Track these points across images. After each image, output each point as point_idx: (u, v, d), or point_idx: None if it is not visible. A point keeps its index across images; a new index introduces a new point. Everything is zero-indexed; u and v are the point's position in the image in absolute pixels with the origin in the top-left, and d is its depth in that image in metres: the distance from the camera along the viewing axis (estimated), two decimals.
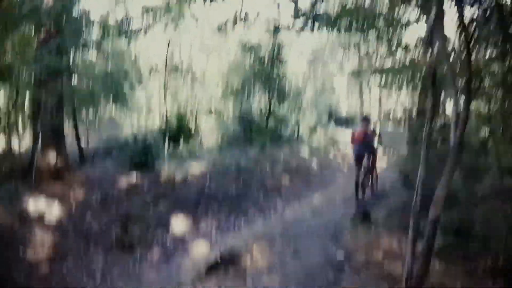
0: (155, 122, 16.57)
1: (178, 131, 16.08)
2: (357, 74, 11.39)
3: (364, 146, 9.42)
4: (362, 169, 9.53)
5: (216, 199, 10.73)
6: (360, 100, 25.81)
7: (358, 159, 9.52)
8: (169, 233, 8.97)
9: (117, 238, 8.46)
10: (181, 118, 16.75)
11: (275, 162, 13.96)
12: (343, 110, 27.06)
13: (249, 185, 11.97)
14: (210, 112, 20.01)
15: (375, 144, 10.09)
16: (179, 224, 9.32)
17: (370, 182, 10.29)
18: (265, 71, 16.07)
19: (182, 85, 18.43)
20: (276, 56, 16.09)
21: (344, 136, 21.24)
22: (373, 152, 9.87)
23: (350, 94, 36.29)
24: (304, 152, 16.10)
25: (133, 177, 10.88)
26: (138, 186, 10.45)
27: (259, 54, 16.25)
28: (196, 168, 12.20)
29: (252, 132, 16.25)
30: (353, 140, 9.69)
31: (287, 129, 18.12)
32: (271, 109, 16.35)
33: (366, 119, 9.89)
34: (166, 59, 13.55)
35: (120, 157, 12.26)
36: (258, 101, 17.20)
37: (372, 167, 10.01)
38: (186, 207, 9.96)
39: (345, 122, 24.92)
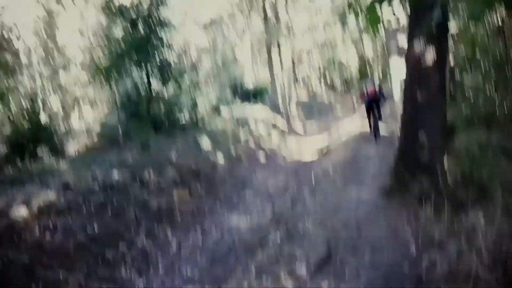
0: None
1: (28, 137, 11.39)
2: None
3: (374, 101, 11.20)
4: (373, 118, 11.29)
5: (58, 264, 6.41)
6: (270, 68, 22.01)
7: (370, 110, 11.26)
8: None
9: None
10: (32, 117, 12.03)
11: (163, 166, 9.82)
12: (250, 83, 23.22)
13: (121, 216, 7.77)
14: (76, 102, 15.36)
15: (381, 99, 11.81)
16: None
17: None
18: (141, 38, 11.66)
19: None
20: (154, 16, 11.75)
21: (255, 113, 17.55)
22: (379, 105, 11.51)
23: (255, 64, 32.75)
24: (206, 143, 12.05)
25: None
26: None
27: (130, 16, 11.80)
28: (39, 198, 7.68)
29: (133, 124, 11.98)
30: (362, 96, 11.57)
31: (182, 114, 13.99)
32: (152, 90, 12.08)
33: (372, 80, 12.45)
34: None
35: None
36: (137, 82, 12.79)
37: (379, 116, 11.57)
38: None
39: (253, 96, 21.20)
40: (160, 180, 9.24)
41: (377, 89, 11.55)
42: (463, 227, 4.11)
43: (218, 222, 8.00)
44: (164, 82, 11.85)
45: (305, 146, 15.67)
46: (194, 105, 14.43)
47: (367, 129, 13.04)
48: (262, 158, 13.35)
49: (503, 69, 9.13)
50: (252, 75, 26.49)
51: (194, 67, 15.56)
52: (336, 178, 8.12)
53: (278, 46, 20.76)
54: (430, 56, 5.63)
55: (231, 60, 28.25)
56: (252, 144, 14.13)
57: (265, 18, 20.64)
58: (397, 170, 6.11)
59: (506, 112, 9.15)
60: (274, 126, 17.37)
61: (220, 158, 11.44)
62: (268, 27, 19.65)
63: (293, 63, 22.39)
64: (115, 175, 8.89)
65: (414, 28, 5.79)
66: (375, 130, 11.45)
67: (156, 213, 8.11)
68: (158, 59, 11.60)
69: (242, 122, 15.33)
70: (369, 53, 35.50)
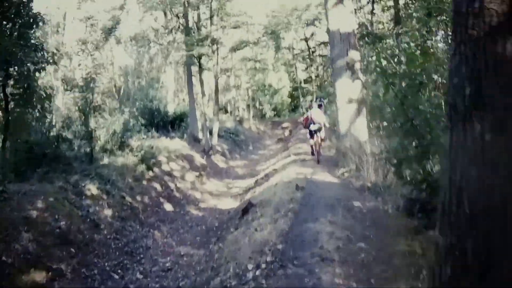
0: None
1: None
2: None
3: (319, 124, 11.13)
4: (316, 139, 11.23)
5: None
6: (189, 93, 18.97)
7: (313, 133, 11.22)
8: None
9: None
10: None
11: (15, 230, 6.62)
12: (169, 110, 20.09)
13: None
14: None
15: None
16: None
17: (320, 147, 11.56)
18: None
19: None
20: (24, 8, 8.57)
21: (169, 146, 14.57)
22: (323, 128, 11.42)
23: (178, 87, 29.86)
24: (93, 188, 8.93)
25: None
26: None
27: None
28: None
29: None
30: (307, 121, 11.43)
31: (68, 147, 10.82)
32: (12, 111, 8.80)
33: (321, 103, 12.75)
34: None
35: None
36: None
37: (323, 138, 11.56)
38: None
39: (170, 125, 18.15)
40: (4, 254, 6.07)
41: (322, 113, 11.43)
42: None
43: None
44: (26, 102, 8.48)
45: (226, 189, 12.98)
46: (88, 135, 11.26)
47: (304, 171, 9.76)
48: (169, 207, 10.44)
49: None
50: (173, 101, 23.54)
51: (90, 85, 12.40)
52: None
53: (200, 66, 17.97)
54: None
55: (149, 82, 25.26)
56: (159, 188, 11.18)
57: (187, 33, 17.73)
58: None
59: None
60: (191, 162, 14.49)
61: (108, 212, 8.41)
62: (189, 43, 16.74)
63: (217, 86, 19.69)
64: None
65: None
66: (318, 155, 11.32)
67: None
68: (24, 66, 8.33)
69: (151, 159, 12.32)
70: (302, 76, 33.74)
